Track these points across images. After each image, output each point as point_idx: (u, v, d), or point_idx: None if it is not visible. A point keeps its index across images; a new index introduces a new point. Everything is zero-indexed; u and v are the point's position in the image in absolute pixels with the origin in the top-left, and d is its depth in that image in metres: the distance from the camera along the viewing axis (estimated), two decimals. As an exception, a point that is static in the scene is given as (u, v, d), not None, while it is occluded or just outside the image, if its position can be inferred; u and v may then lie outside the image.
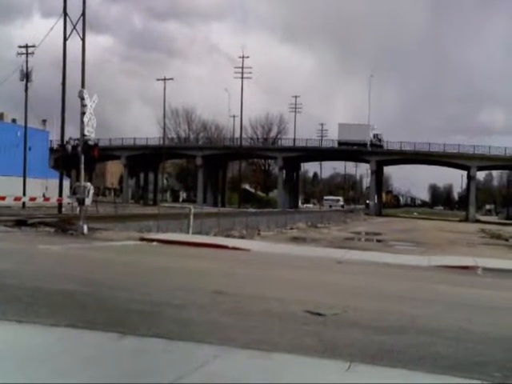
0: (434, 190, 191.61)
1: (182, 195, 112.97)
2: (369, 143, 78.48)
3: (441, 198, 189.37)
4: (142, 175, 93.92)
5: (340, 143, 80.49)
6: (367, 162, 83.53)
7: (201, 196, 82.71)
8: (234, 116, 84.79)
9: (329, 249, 19.25)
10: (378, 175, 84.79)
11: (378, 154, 78.77)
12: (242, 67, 75.50)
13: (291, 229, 30.07)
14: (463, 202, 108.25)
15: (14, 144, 49.54)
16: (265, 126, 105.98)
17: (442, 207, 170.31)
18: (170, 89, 73.63)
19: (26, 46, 43.97)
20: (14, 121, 58.15)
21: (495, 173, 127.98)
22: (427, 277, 13.43)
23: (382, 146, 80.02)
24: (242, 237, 22.30)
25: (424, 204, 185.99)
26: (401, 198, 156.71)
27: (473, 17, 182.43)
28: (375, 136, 79.72)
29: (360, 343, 6.46)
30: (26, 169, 46.39)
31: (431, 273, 14.23)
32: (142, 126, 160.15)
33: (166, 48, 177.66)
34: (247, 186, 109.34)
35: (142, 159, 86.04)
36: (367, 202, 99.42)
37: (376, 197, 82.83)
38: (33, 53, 43.60)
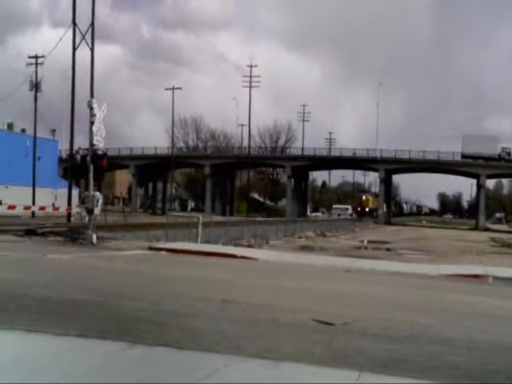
0: (443, 198, 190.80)
1: (191, 204, 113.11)
2: (497, 157, 72.40)
3: (450, 207, 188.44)
4: (150, 184, 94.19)
5: (464, 156, 74.37)
6: (376, 170, 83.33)
7: (209, 205, 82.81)
8: (242, 125, 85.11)
9: (337, 258, 19.18)
10: (387, 184, 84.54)
11: (386, 163, 78.55)
12: (250, 76, 75.80)
13: (300, 238, 30.02)
14: (473, 210, 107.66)
15: (23, 154, 49.81)
16: (273, 134, 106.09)
17: (451, 216, 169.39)
18: (178, 98, 73.98)
19: (36, 57, 44.30)
20: (23, 131, 58.48)
21: (505, 181, 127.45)
22: (437, 286, 13.34)
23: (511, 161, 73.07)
24: (251, 246, 22.29)
25: (432, 212, 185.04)
26: (404, 206, 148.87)
27: (480, 24, 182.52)
28: (503, 149, 73.15)
29: (370, 352, 6.42)
30: (35, 178, 46.65)
31: (441, 281, 14.14)
32: (151, 136, 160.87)
33: (173, 57, 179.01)
34: (256, 195, 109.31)
35: (151, 168, 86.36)
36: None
37: (385, 205, 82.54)
38: (42, 63, 43.93)
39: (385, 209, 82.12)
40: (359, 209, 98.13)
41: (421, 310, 9.65)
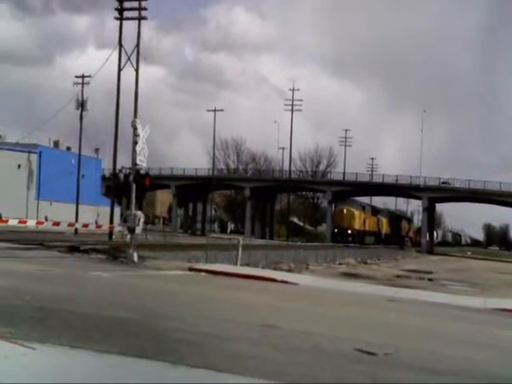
0: (488, 229, 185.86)
1: (230, 226, 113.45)
2: None
3: (496, 238, 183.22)
4: (190, 205, 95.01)
5: None
6: (419, 198, 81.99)
7: (249, 228, 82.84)
8: (283, 148, 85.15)
9: (379, 286, 18.83)
10: (430, 212, 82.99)
11: (430, 191, 77.25)
12: (292, 99, 76.03)
13: (340, 264, 29.65)
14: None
15: (68, 171, 51.04)
16: (314, 158, 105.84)
17: (497, 247, 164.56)
18: (219, 120, 74.52)
19: (82, 76, 45.43)
20: (68, 149, 60.11)
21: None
22: (483, 320, 12.93)
23: None
24: (290, 270, 22.11)
25: (476, 243, 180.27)
26: (435, 234, 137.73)
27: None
28: None
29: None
30: (79, 196, 47.65)
31: (488, 316, 13.69)
32: (191, 156, 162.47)
33: (216, 79, 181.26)
34: (295, 219, 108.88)
35: (191, 189, 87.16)
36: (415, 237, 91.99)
37: (428, 234, 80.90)
38: (88, 82, 45.02)
39: (427, 238, 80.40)
40: (336, 230, 66.00)
41: (466, 343, 9.37)
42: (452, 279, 27.07)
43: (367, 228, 67.96)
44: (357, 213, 66.51)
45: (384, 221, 74.52)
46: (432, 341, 9.32)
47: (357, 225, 65.14)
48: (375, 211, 73.09)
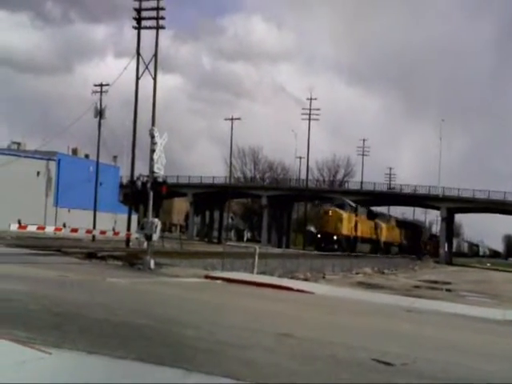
0: (508, 240, 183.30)
1: (247, 235, 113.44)
2: None
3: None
4: (207, 213, 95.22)
5: None
6: (437, 208, 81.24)
7: (265, 236, 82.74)
8: (300, 157, 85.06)
9: (397, 296, 18.65)
10: (449, 222, 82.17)
11: (449, 201, 76.47)
12: (310, 109, 75.93)
13: (357, 273, 29.47)
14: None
15: (86, 178, 51.49)
16: (331, 168, 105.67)
17: None
18: (236, 128, 74.50)
19: (101, 85, 45.90)
20: (86, 156, 60.70)
21: None
22: (502, 331, 12.74)
23: None
24: (307, 279, 22.02)
25: (496, 254, 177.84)
26: (446, 244, 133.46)
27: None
28: None
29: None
30: (96, 203, 48.01)
31: (507, 327, 13.49)
32: (208, 164, 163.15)
33: (233, 88, 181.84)
34: (312, 228, 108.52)
35: (208, 197, 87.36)
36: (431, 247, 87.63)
37: (446, 245, 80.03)
38: (107, 91, 45.46)
39: (446, 248, 79.50)
40: (319, 235, 55.35)
41: (484, 355, 9.22)
42: (471, 290, 26.74)
43: (360, 234, 56.73)
44: (345, 215, 54.49)
45: (384, 226, 63.99)
46: (450, 352, 9.20)
47: (345, 229, 53.74)
48: (372, 215, 62.36)
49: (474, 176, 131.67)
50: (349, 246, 51.87)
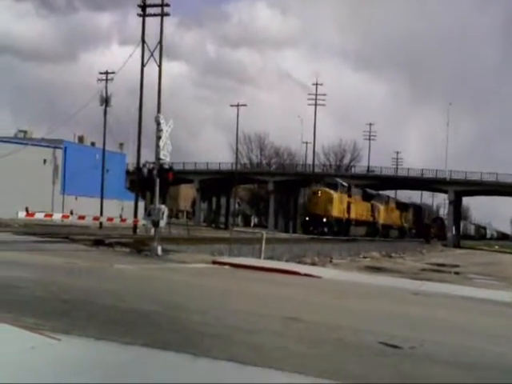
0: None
1: (254, 220, 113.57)
2: None
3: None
4: (214, 199, 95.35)
5: None
6: (445, 192, 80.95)
7: (272, 221, 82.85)
8: (306, 142, 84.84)
9: (404, 279, 18.64)
10: (456, 206, 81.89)
11: (456, 184, 76.16)
12: (316, 94, 75.59)
13: (364, 257, 29.45)
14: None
15: (92, 166, 51.57)
16: (338, 153, 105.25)
17: None
18: (242, 115, 74.22)
19: (106, 73, 45.76)
20: (93, 144, 60.76)
21: None
22: (511, 313, 12.70)
23: None
24: (314, 264, 22.02)
25: (504, 237, 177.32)
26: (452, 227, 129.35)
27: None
28: None
29: (439, 378, 6.15)
30: (103, 190, 48.12)
31: (515, 309, 13.45)
32: (215, 151, 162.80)
33: (238, 74, 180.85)
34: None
35: (215, 183, 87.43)
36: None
37: (454, 228, 79.77)
38: (112, 79, 45.28)
39: (454, 231, 79.25)
40: (307, 218, 50.19)
41: (494, 337, 9.20)
42: (479, 273, 26.68)
43: (354, 216, 52.67)
44: (336, 195, 49.47)
45: (382, 208, 59.81)
46: (458, 334, 9.20)
47: (336, 211, 49.19)
48: (368, 196, 57.63)
49: (481, 161, 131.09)
50: (341, 229, 48.84)
